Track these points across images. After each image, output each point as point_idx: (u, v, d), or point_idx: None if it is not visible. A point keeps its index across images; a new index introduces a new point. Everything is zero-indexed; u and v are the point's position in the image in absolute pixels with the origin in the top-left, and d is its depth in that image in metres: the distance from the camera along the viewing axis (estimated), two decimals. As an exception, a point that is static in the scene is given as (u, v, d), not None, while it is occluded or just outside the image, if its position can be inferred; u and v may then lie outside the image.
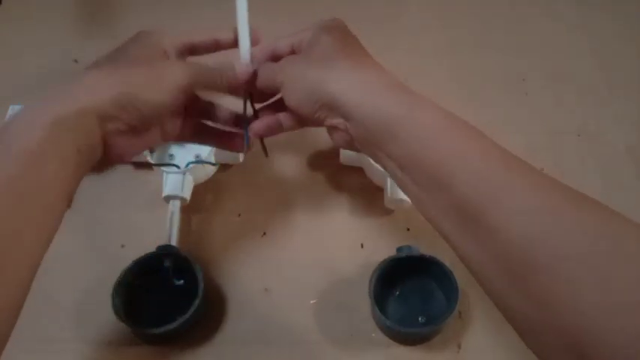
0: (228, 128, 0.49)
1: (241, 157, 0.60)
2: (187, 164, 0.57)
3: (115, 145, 0.41)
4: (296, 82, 0.42)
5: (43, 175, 0.36)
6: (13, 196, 0.35)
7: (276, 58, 0.45)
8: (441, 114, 0.38)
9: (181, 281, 0.53)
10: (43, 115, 0.37)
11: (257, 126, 0.47)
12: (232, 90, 0.45)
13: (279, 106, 0.46)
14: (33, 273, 0.36)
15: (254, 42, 0.46)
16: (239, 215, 0.59)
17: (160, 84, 0.41)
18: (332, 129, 0.42)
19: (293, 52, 0.45)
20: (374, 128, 0.38)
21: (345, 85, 0.39)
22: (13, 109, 0.61)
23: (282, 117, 0.46)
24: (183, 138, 0.47)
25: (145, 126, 0.42)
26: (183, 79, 0.42)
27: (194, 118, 0.48)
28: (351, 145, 0.42)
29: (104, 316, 0.51)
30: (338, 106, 0.39)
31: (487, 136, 0.37)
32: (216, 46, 0.47)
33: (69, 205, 0.39)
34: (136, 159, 0.60)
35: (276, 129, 0.47)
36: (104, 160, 0.42)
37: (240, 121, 0.48)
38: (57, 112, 0.37)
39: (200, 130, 0.49)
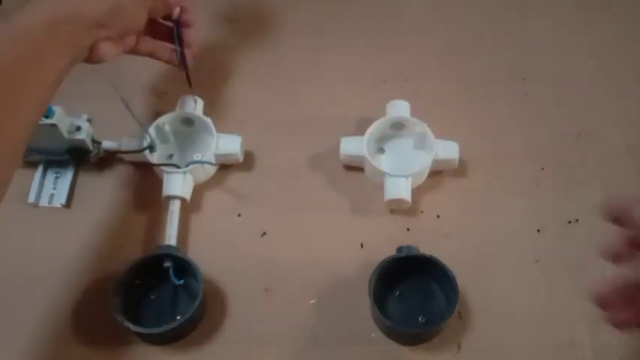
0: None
1: (241, 157, 0.60)
2: (187, 164, 0.57)
3: (100, 49, 0.46)
4: None
5: (41, 63, 0.41)
6: (9, 78, 0.40)
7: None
8: None
9: (181, 281, 0.53)
10: (48, 12, 0.42)
11: None
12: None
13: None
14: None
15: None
16: (239, 215, 0.59)
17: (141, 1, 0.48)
18: None
19: None
20: None
21: None
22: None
23: None
24: (137, 52, 0.53)
25: (123, 36, 0.48)
26: None
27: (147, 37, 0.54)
28: None
29: (104, 316, 0.51)
30: None
31: None
32: None
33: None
34: (135, 159, 0.60)
35: None
36: (85, 60, 0.47)
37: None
38: (60, 12, 0.42)
39: (151, 47, 0.55)
